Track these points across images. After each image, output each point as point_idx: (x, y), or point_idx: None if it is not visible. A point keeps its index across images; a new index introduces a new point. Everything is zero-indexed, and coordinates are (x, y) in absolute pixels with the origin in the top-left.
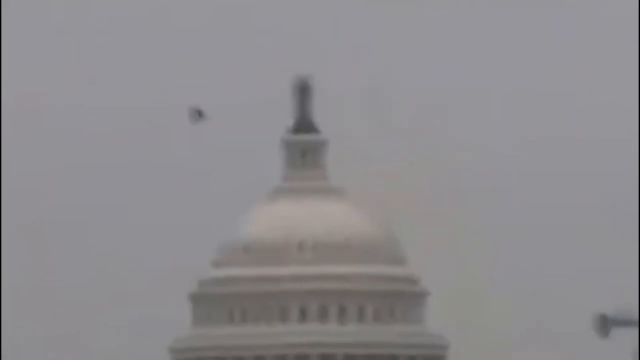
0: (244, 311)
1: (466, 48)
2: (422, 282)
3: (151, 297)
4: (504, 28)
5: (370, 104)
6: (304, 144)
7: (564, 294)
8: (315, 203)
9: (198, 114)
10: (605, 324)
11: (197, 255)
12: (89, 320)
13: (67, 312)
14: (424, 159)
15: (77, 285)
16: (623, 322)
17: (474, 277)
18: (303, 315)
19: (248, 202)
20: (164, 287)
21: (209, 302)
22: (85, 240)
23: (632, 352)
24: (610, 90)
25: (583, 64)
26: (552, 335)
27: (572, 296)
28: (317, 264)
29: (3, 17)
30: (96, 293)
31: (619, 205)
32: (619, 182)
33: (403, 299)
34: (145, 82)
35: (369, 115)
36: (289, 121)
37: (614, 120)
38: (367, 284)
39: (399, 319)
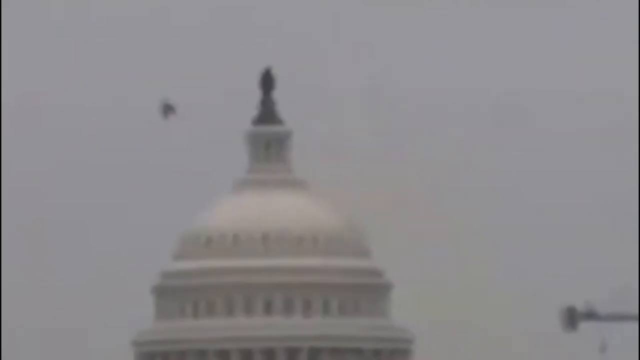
0: (208, 304)
1: (460, 47)
2: (386, 275)
3: (114, 290)
4: (504, 28)
5: (335, 95)
6: (268, 136)
7: (532, 286)
8: (280, 195)
9: (169, 109)
10: (573, 318)
11: (160, 248)
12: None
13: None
14: (389, 150)
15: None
16: (590, 316)
17: (438, 270)
18: (268, 309)
19: (212, 194)
20: (127, 280)
21: (172, 294)
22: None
23: (599, 347)
24: (610, 90)
25: (583, 64)
26: (521, 327)
27: (538, 286)
28: (281, 256)
29: (3, 17)
30: (53, 286)
31: (618, 205)
32: (619, 182)
33: (368, 291)
34: (138, 82)
35: (333, 106)
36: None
37: (614, 120)
38: (332, 277)
39: (364, 312)
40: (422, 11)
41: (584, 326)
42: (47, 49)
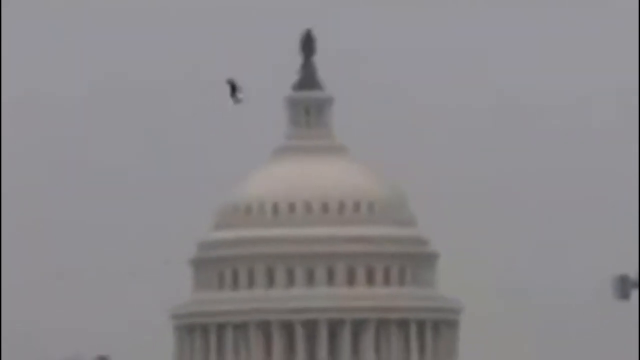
0: (247, 275)
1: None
2: (431, 244)
3: (152, 262)
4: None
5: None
6: (308, 102)
7: (580, 255)
8: (320, 162)
9: (233, 89)
10: (626, 286)
11: (198, 219)
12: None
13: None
14: (432, 118)
15: (76, 253)
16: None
17: (485, 238)
18: (310, 279)
19: (251, 162)
20: (165, 252)
21: (211, 266)
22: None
23: None
24: (611, 90)
25: (583, 64)
26: (570, 295)
27: (584, 253)
28: (322, 225)
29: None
30: (93, 257)
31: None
32: (619, 181)
33: (413, 261)
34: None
35: (376, 75)
36: (294, 79)
37: (613, 120)
38: (376, 246)
39: (410, 282)
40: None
41: (636, 295)
42: (47, 44)
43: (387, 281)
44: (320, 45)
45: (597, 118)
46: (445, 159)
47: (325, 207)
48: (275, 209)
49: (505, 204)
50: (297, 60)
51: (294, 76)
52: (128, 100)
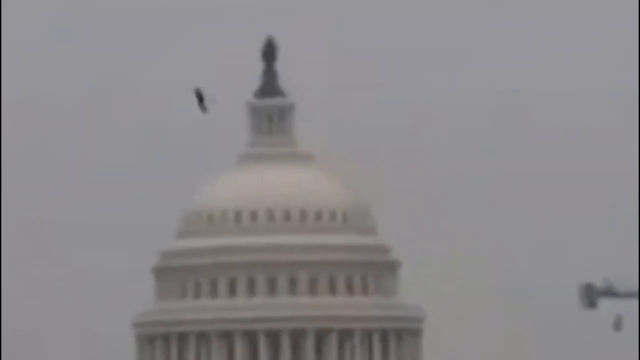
0: (209, 284)
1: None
2: (394, 252)
3: (114, 271)
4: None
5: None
6: (270, 109)
7: (547, 263)
8: (283, 170)
9: (200, 98)
10: (592, 295)
11: (160, 227)
12: (53, 298)
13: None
14: (394, 124)
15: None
16: (608, 293)
17: (447, 246)
18: (272, 288)
19: (213, 169)
20: (127, 260)
21: (173, 275)
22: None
23: (613, 323)
24: (611, 90)
25: (585, 65)
26: (523, 304)
27: (550, 263)
28: (285, 233)
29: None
30: (53, 268)
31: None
32: (618, 181)
33: (376, 269)
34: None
35: (337, 78)
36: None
37: (614, 119)
38: (338, 255)
39: (372, 290)
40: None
41: (602, 303)
42: (44, 44)
43: (349, 290)
44: (281, 51)
45: (595, 118)
46: (408, 166)
47: (287, 216)
48: (238, 217)
49: (469, 211)
50: (259, 66)
51: (255, 83)
52: (97, 105)
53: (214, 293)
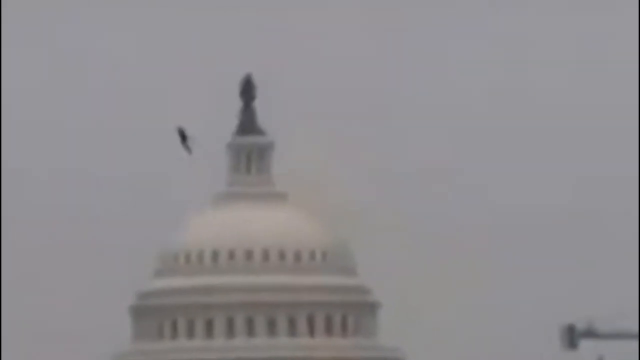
0: (187, 324)
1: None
2: (373, 293)
3: (90, 310)
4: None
5: (317, 106)
6: (249, 147)
7: (529, 304)
8: (261, 209)
9: (183, 136)
10: (573, 336)
11: (137, 267)
12: (22, 333)
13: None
14: (373, 165)
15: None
16: (590, 334)
17: (426, 287)
18: (250, 329)
19: (191, 208)
20: (104, 300)
21: (150, 315)
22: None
23: None
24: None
25: (582, 70)
26: (505, 346)
27: (535, 304)
28: (263, 273)
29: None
30: (30, 307)
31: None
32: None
33: (355, 310)
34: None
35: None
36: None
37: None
38: (317, 295)
39: (351, 331)
40: (406, 17)
41: (584, 344)
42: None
43: (329, 331)
44: (260, 89)
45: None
46: (389, 207)
47: (266, 255)
48: (215, 256)
49: (451, 252)
50: (237, 104)
51: (234, 121)
52: (73, 140)
53: (191, 334)
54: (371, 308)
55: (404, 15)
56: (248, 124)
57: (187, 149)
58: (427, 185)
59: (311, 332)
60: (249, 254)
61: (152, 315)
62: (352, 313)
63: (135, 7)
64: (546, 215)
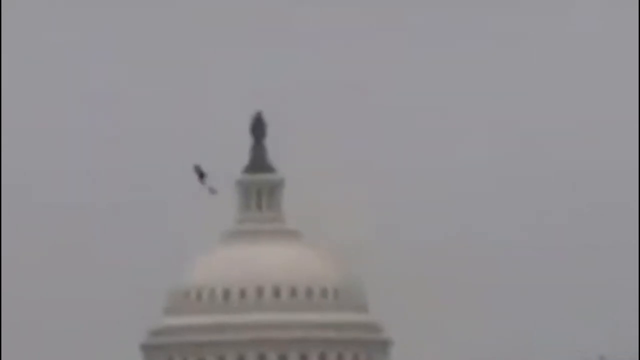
0: None
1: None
2: (385, 330)
3: (102, 348)
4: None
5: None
6: (259, 184)
7: (532, 343)
8: (272, 247)
9: (201, 174)
10: None
11: (148, 303)
12: None
13: None
14: (381, 200)
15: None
16: None
17: (439, 325)
18: None
19: (201, 246)
20: (116, 337)
21: (161, 352)
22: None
23: None
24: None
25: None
26: None
27: (548, 339)
28: (274, 311)
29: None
30: (41, 345)
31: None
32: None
33: (367, 347)
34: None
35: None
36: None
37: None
38: (329, 332)
39: None
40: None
41: None
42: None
43: None
44: (270, 126)
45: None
46: (401, 244)
47: (277, 292)
48: (227, 294)
49: (462, 289)
50: (248, 142)
51: (244, 158)
52: (77, 181)
53: None
54: (383, 346)
55: (414, 51)
56: (258, 161)
57: (207, 186)
58: (441, 221)
59: None
60: (260, 291)
61: (163, 353)
62: (364, 351)
63: (148, 42)
64: (557, 256)
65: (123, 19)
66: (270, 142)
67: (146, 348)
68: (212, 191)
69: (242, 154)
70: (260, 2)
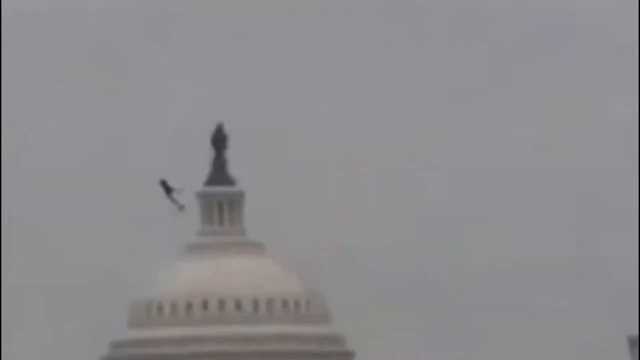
0: None
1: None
2: (348, 342)
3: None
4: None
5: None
6: (220, 197)
7: (501, 345)
8: (234, 259)
9: (167, 189)
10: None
11: (109, 316)
12: None
13: None
14: (349, 211)
15: None
16: None
17: (402, 336)
18: None
19: (162, 259)
20: (77, 349)
21: None
22: None
23: None
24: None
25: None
26: None
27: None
28: (237, 324)
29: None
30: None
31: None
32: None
33: (329, 359)
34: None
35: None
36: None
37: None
38: (291, 345)
39: None
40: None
41: None
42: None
43: None
44: (232, 138)
45: None
46: (362, 256)
47: (238, 305)
48: (189, 307)
49: (425, 299)
50: (209, 154)
51: (205, 170)
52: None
53: None
54: (345, 358)
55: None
56: (219, 173)
57: (175, 202)
58: (406, 228)
59: None
60: (222, 304)
61: None
62: None
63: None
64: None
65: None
66: (232, 155)
67: None
68: (181, 208)
69: (205, 167)
70: (219, 12)
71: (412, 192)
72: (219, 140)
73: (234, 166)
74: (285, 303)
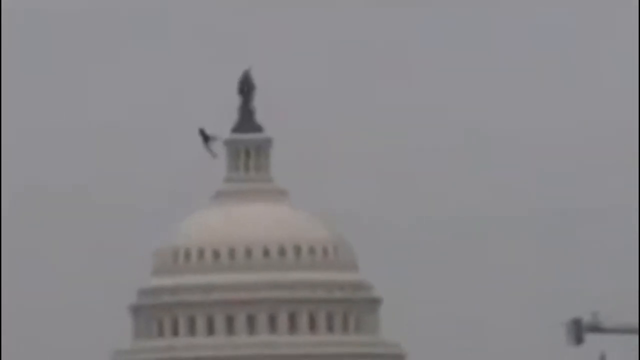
0: (188, 322)
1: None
2: (375, 289)
3: (91, 309)
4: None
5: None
6: (247, 144)
7: (524, 301)
8: (260, 206)
9: (205, 138)
10: (579, 331)
11: (136, 264)
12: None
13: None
14: (375, 162)
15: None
16: (595, 329)
17: (429, 283)
18: (251, 326)
19: (189, 206)
20: (103, 298)
21: (150, 313)
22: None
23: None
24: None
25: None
26: (508, 342)
27: (537, 299)
28: (263, 270)
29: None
30: (28, 307)
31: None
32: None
33: (356, 307)
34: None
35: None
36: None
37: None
38: (318, 292)
39: (353, 328)
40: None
41: (588, 339)
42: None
43: (330, 328)
44: (259, 86)
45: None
46: (387, 203)
47: (266, 252)
48: (216, 254)
49: (453, 247)
50: (236, 101)
51: (232, 118)
52: (69, 142)
53: (192, 331)
54: (373, 304)
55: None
56: (246, 121)
57: (210, 151)
58: (429, 183)
59: (312, 329)
60: (248, 251)
61: (152, 313)
62: (354, 309)
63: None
64: (547, 211)
65: None
66: (259, 102)
67: (135, 308)
68: (214, 155)
69: (232, 114)
70: None
71: (440, 134)
72: (246, 86)
73: (261, 113)
74: (312, 250)
